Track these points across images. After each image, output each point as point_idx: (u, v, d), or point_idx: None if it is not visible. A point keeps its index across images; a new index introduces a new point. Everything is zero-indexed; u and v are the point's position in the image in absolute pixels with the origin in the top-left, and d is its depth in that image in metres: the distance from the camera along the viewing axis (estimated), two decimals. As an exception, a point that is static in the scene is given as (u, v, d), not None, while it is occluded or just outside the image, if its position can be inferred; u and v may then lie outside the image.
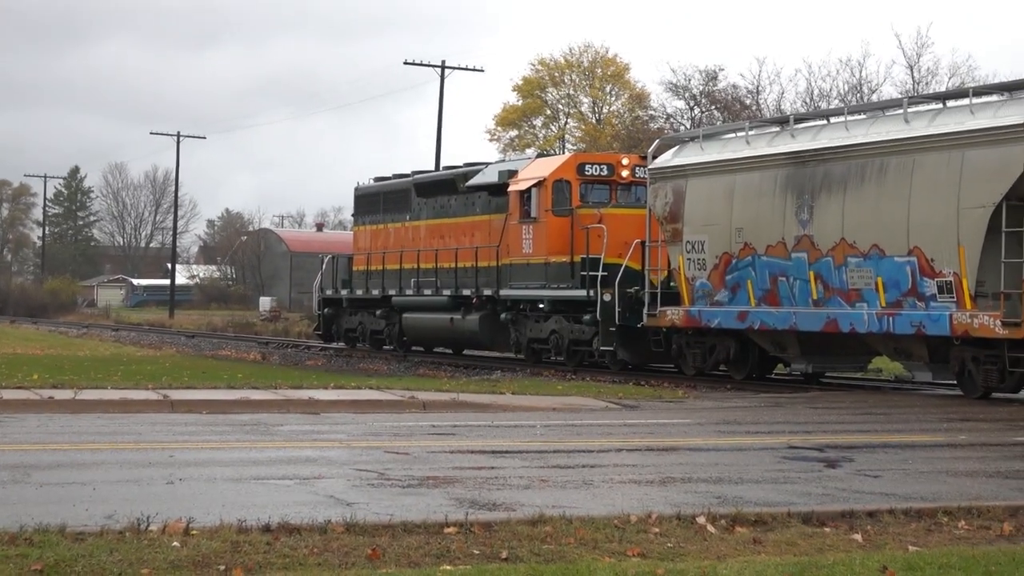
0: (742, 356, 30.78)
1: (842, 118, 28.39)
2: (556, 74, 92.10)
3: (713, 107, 72.68)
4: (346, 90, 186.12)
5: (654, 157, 32.91)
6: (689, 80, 74.62)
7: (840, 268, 26.98)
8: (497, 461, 14.64)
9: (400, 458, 14.57)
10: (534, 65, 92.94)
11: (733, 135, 31.47)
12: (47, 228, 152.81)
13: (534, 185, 35.45)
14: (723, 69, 75.55)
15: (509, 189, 36.51)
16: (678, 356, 32.31)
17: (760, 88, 70.69)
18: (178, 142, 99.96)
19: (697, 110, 73.75)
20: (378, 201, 45.25)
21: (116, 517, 10.21)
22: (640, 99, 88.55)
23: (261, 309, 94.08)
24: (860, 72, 67.15)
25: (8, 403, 20.38)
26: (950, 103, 26.35)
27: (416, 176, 43.72)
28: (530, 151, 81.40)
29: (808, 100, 66.92)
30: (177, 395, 21.89)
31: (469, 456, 15.07)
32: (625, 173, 35.49)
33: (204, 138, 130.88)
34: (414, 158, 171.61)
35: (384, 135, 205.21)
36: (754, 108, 67.95)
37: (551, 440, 17.07)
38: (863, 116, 28.38)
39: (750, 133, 30.44)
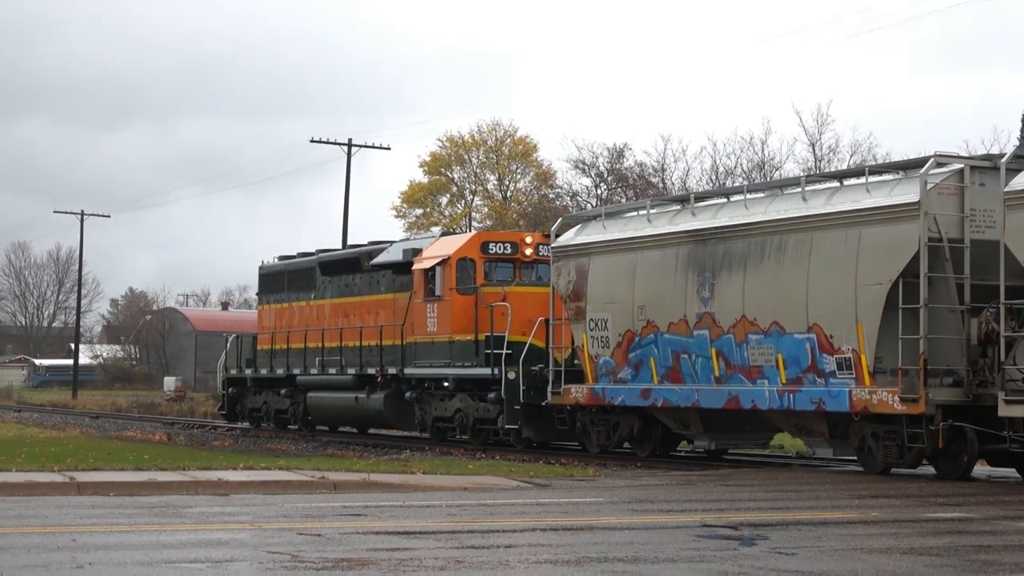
0: (645, 433, 31.00)
1: (742, 196, 28.73)
2: (463, 152, 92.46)
3: (619, 185, 73.19)
4: (254, 169, 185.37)
5: (557, 235, 33.17)
6: (596, 157, 75.19)
7: (741, 345, 27.31)
8: (411, 542, 14.68)
9: (313, 540, 14.59)
10: (441, 141, 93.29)
11: (635, 213, 31.79)
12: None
13: (438, 263, 35.65)
14: (630, 148, 76.27)
15: (413, 267, 36.71)
16: (582, 434, 32.48)
17: (665, 166, 71.37)
18: (82, 220, 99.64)
19: (603, 187, 74.24)
20: (283, 280, 45.26)
21: (29, 603, 10.20)
22: (546, 177, 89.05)
23: (166, 389, 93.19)
24: (763, 150, 68.08)
25: (-89, 489, 20.14)
26: (847, 181, 26.80)
27: (321, 255, 43.81)
28: (435, 229, 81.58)
29: (714, 177, 67.62)
30: (84, 477, 21.72)
31: (383, 537, 15.11)
32: (529, 251, 35.80)
33: (108, 216, 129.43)
34: (321, 236, 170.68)
35: (291, 213, 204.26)
36: (660, 185, 68.51)
37: (465, 520, 17.13)
38: (762, 194, 28.75)
39: (652, 211, 30.76)
